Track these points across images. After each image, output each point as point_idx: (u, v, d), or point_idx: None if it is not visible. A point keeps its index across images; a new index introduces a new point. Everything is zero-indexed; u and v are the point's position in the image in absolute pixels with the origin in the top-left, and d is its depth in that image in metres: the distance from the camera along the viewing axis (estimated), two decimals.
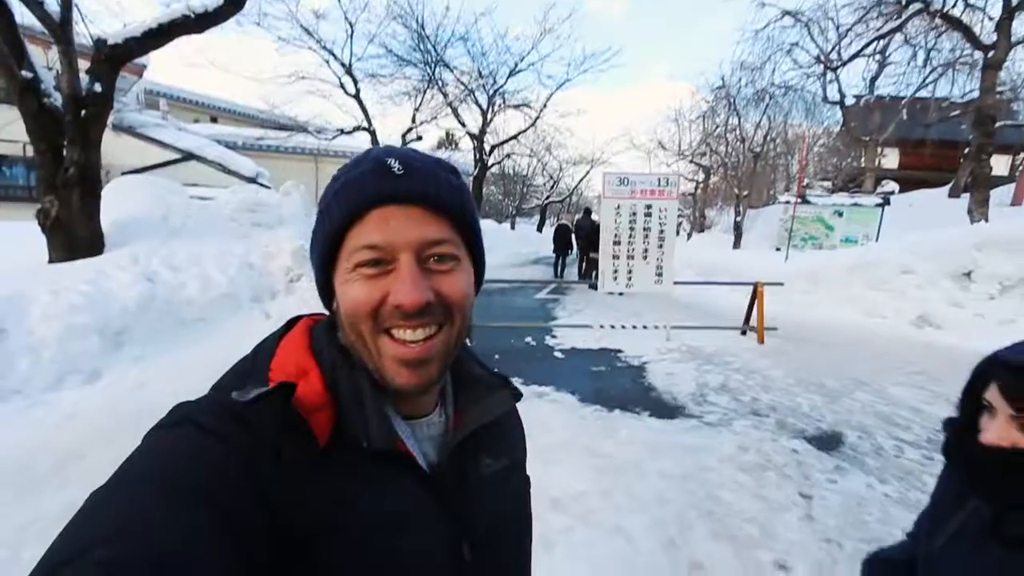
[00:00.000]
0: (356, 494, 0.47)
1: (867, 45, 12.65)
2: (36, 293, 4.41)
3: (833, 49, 13.12)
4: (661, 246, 5.83)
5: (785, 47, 12.23)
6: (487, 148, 18.29)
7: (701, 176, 21.99)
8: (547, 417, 3.82)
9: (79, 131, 5.26)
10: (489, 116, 17.82)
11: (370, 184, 0.48)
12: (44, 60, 5.45)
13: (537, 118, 18.20)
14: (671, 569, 2.26)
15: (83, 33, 5.58)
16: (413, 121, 14.44)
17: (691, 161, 20.81)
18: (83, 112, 5.27)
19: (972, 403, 0.78)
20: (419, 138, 15.00)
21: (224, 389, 0.49)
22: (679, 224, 32.01)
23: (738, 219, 14.78)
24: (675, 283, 6.04)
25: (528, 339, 6.18)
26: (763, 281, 6.23)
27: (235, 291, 5.84)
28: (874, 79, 15.74)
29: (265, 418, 0.45)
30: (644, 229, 5.82)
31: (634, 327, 6.15)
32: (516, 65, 16.94)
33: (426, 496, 0.51)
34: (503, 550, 0.60)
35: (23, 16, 5.16)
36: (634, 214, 5.82)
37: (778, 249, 10.67)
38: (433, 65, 14.80)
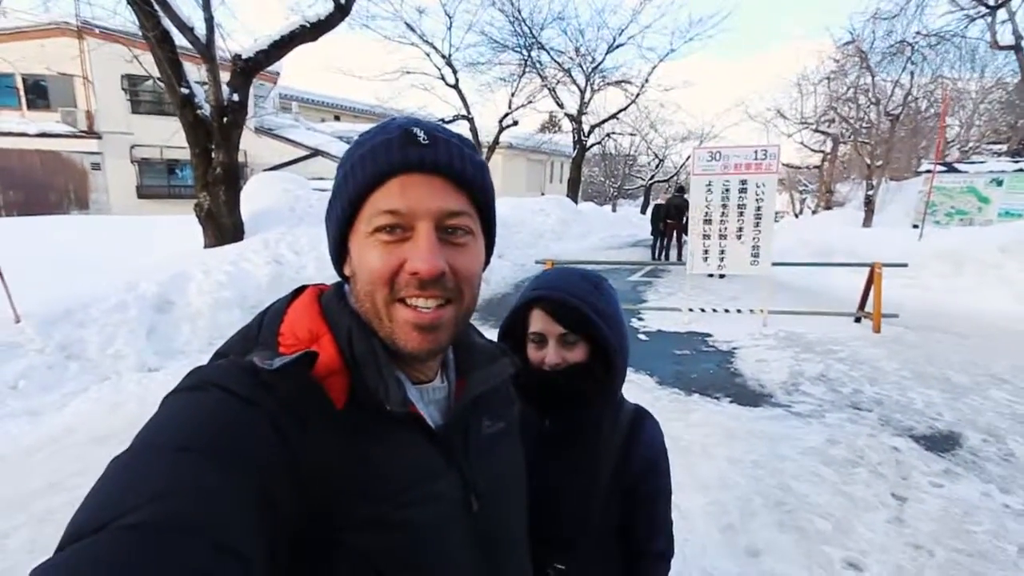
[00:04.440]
0: (376, 454, 0.49)
1: None
2: (194, 273, 5.36)
3: None
4: (758, 224, 5.40)
5: None
6: (586, 129, 18.03)
7: (829, 146, 19.59)
8: None
9: (222, 136, 6.21)
10: (587, 96, 17.51)
11: (395, 151, 0.49)
12: (197, 76, 6.46)
13: (638, 95, 17.51)
14: (726, 551, 2.22)
15: (223, 48, 6.51)
16: (509, 106, 14.69)
17: (816, 130, 18.62)
18: (225, 119, 6.20)
19: (515, 339, 0.91)
20: (515, 123, 15.23)
21: (232, 354, 0.51)
22: (803, 200, 29.01)
23: (870, 193, 13.01)
24: (774, 264, 5.59)
25: None
26: (885, 262, 5.52)
27: None
28: None
29: (290, 385, 0.46)
30: (739, 206, 5.43)
31: (727, 311, 5.82)
32: (614, 40, 16.44)
33: (436, 454, 0.55)
34: (504, 501, 0.64)
35: (177, 39, 6.16)
36: (727, 191, 5.45)
37: (915, 226, 9.26)
38: (529, 48, 14.88)
